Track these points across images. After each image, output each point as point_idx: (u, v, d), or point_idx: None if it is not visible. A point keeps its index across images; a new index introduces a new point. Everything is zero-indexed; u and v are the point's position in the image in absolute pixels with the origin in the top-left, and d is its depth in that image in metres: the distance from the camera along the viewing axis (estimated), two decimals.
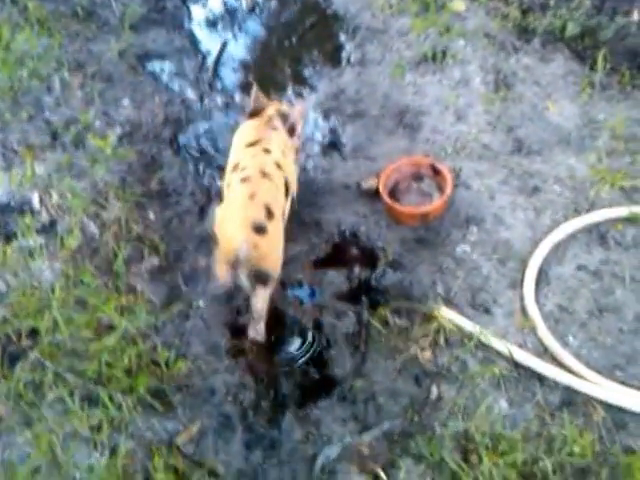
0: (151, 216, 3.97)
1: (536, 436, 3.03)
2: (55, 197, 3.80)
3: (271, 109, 3.83)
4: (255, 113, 3.84)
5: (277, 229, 3.35)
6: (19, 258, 3.47)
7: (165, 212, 4.03)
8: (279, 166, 3.50)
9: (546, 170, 4.12)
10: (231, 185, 3.46)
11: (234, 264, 3.21)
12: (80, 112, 4.38)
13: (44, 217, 3.73)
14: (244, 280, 3.28)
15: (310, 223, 4.01)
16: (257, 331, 3.43)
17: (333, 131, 4.58)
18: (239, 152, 3.64)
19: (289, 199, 3.59)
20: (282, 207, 3.44)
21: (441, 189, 4.02)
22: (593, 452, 2.95)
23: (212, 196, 4.17)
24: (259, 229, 3.18)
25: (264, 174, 3.39)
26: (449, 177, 3.98)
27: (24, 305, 3.24)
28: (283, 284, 3.68)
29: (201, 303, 3.61)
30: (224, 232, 3.28)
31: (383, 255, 3.77)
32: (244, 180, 3.37)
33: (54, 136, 4.22)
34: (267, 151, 3.54)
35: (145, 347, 3.24)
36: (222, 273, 3.33)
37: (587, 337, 3.38)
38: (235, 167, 3.52)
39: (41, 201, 3.79)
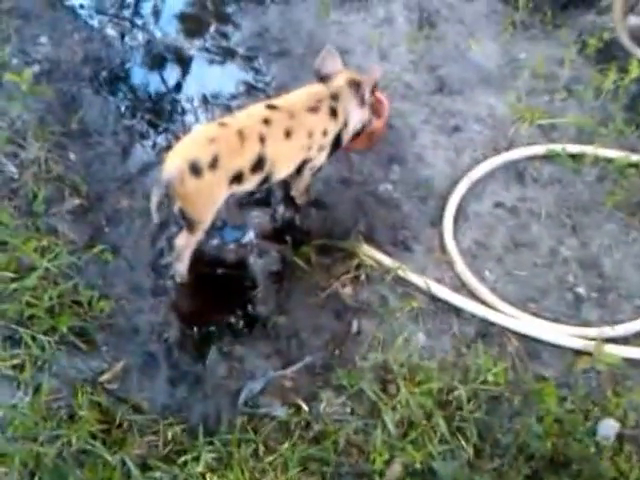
0: (72, 156, 3.90)
1: (452, 366, 3.13)
2: None
3: (341, 79, 3.54)
4: (323, 79, 3.56)
5: (214, 183, 3.15)
6: None
7: (86, 152, 3.96)
8: (262, 140, 3.23)
9: (467, 109, 4.20)
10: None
11: (158, 184, 3.11)
12: None
13: None
14: (153, 202, 3.12)
15: None
16: (177, 271, 3.45)
17: (257, 70, 4.56)
18: (258, 104, 3.44)
19: (258, 177, 3.32)
20: (236, 171, 3.19)
21: (375, 112, 3.98)
22: (506, 380, 3.07)
23: (134, 136, 4.13)
24: (195, 169, 3.05)
25: (240, 134, 3.19)
26: (383, 97, 4.02)
27: None
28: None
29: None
30: (170, 154, 3.17)
31: (307, 195, 3.78)
32: (221, 124, 3.24)
33: None
34: (267, 122, 3.28)
35: (67, 287, 3.22)
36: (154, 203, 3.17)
37: (503, 271, 3.49)
38: (234, 111, 3.45)
39: None
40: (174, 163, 3.07)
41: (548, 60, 4.39)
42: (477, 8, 4.82)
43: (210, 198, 3.22)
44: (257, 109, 3.36)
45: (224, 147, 3.14)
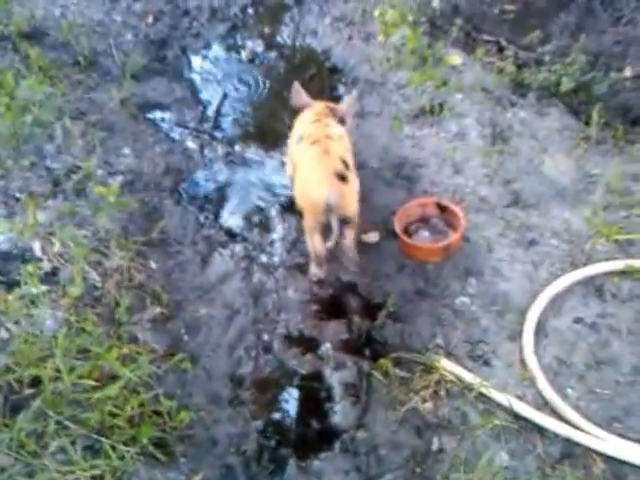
0: (153, 265, 3.98)
1: None
2: (57, 245, 3.77)
3: (319, 105, 4.26)
4: (300, 111, 4.29)
5: (353, 178, 3.79)
6: (21, 306, 3.42)
7: (167, 261, 4.05)
8: (340, 138, 3.97)
9: (543, 223, 4.18)
10: (300, 152, 3.92)
11: (326, 213, 3.62)
12: (81, 160, 4.38)
13: (46, 265, 3.68)
14: (334, 225, 3.68)
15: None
16: (350, 262, 3.97)
17: None
18: (301, 127, 4.09)
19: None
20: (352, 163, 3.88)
21: (450, 224, 4.14)
22: None
23: (213, 245, 4.21)
24: (341, 177, 3.65)
25: (329, 137, 3.86)
26: (458, 210, 4.11)
27: (26, 353, 3.20)
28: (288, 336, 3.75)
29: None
30: (310, 188, 3.69)
31: (383, 307, 3.79)
32: (314, 142, 3.82)
33: (55, 184, 4.20)
34: (327, 125, 4.01)
35: (147, 397, 3.20)
36: (317, 243, 3.82)
37: (585, 389, 3.39)
38: (300, 139, 3.98)
39: (43, 249, 3.76)
40: (325, 189, 3.58)
41: (622, 175, 4.35)
42: (549, 124, 4.85)
43: (357, 191, 3.81)
44: (314, 124, 4.07)
45: (337, 148, 3.80)
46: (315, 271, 3.93)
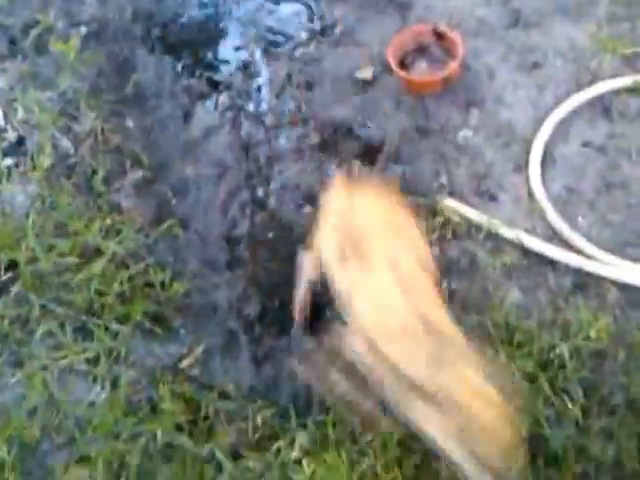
0: (129, 124, 3.74)
1: (551, 323, 2.93)
2: (21, 112, 3.60)
3: None
4: None
5: None
6: None
7: (145, 118, 3.81)
8: None
9: (545, 43, 3.91)
10: None
11: None
12: (39, 12, 4.09)
13: (11, 135, 3.54)
14: None
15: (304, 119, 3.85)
16: None
17: (319, 14, 4.33)
18: None
19: None
20: None
21: (448, 52, 3.88)
22: (609, 334, 2.86)
23: (194, 96, 3.98)
24: None
25: None
26: (456, 36, 3.85)
27: None
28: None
29: None
30: None
31: (382, 148, 3.61)
32: None
33: (12, 42, 3.96)
34: None
35: (137, 269, 3.09)
36: None
37: (596, 216, 3.26)
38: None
39: (5, 117, 3.60)
40: None
41: None
42: None
43: None
44: None
45: None
46: None
